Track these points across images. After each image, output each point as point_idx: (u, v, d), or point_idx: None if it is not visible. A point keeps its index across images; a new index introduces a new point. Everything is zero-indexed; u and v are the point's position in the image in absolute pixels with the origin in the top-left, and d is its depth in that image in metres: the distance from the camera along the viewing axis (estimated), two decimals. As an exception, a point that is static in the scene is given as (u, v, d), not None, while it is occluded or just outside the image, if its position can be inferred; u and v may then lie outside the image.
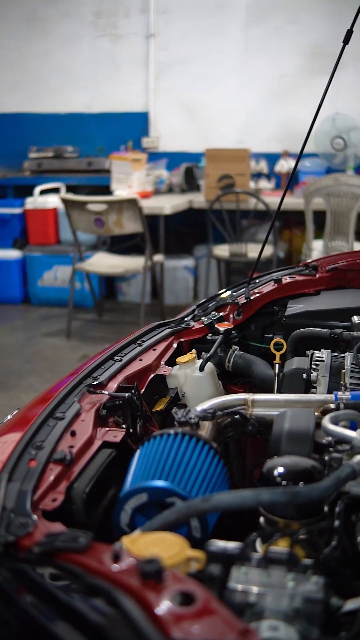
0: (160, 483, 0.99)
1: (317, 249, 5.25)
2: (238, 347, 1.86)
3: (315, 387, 1.47)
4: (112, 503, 1.19)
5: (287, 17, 6.04)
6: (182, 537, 0.81)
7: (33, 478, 1.04)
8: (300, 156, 2.00)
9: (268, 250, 5.50)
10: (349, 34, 1.80)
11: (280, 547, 0.88)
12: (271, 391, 1.64)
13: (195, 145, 6.49)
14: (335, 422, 1.07)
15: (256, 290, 2.06)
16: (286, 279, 2.10)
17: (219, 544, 0.83)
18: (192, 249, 6.48)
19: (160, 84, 6.47)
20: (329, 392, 1.46)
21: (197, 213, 6.02)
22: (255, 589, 0.75)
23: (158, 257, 5.33)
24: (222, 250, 5.54)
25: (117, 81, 6.54)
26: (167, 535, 0.82)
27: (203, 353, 1.81)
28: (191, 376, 1.69)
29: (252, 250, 5.44)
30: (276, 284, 2.08)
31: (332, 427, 1.04)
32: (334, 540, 0.87)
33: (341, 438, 1.03)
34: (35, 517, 0.92)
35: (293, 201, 5.82)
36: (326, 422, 1.07)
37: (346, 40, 1.81)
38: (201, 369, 1.70)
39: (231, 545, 0.83)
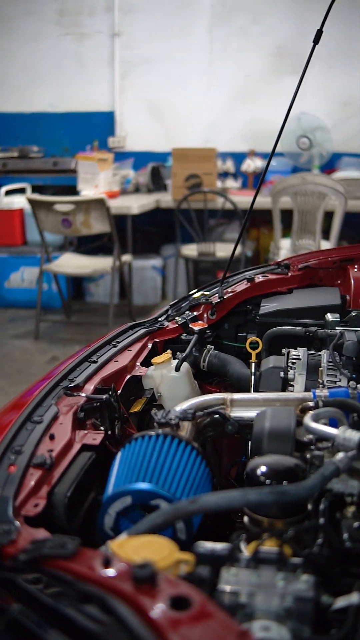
0: (144, 485, 0.98)
1: (284, 247, 5.28)
2: (213, 347, 1.86)
3: (293, 385, 1.48)
4: (92, 507, 1.18)
5: (251, 17, 6.07)
6: (170, 539, 0.80)
7: (13, 483, 1.02)
8: (271, 156, 2.01)
9: (236, 250, 5.52)
10: (319, 34, 1.81)
11: (267, 546, 0.88)
12: (248, 390, 1.64)
13: (161, 144, 6.48)
14: (316, 420, 1.08)
15: (229, 290, 2.07)
16: (259, 278, 2.11)
17: (207, 546, 0.82)
18: (159, 248, 6.47)
19: (126, 83, 6.44)
20: (306, 390, 1.46)
21: (164, 213, 6.01)
22: (245, 590, 0.75)
23: (126, 257, 5.30)
24: (191, 250, 5.54)
25: (83, 80, 6.49)
26: (154, 538, 0.82)
27: (178, 353, 1.81)
28: (167, 376, 1.69)
29: (221, 250, 5.46)
30: (249, 283, 2.08)
31: (314, 425, 1.04)
32: (320, 538, 0.87)
33: (323, 436, 1.03)
34: (18, 523, 0.91)
35: (260, 200, 5.80)
36: (308, 420, 1.07)
37: (316, 40, 1.82)
38: (177, 369, 1.69)
39: (219, 546, 0.83)
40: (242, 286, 2.07)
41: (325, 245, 5.18)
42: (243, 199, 5.65)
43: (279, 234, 5.31)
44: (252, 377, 1.64)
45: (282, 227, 5.33)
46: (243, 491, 0.83)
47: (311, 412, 1.10)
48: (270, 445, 1.10)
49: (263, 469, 0.99)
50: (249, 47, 6.14)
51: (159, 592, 0.61)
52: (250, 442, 1.21)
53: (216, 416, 1.29)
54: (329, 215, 5.14)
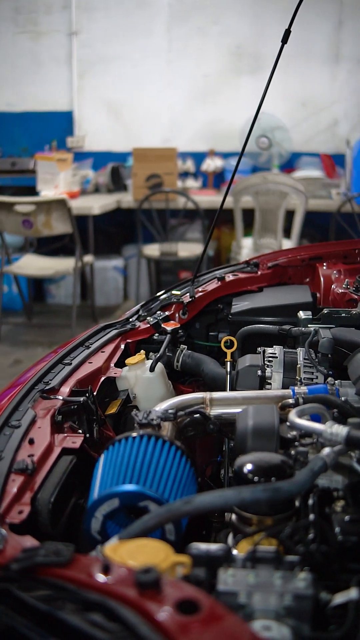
0: (132, 487, 0.97)
1: (246, 246, 5.31)
2: (186, 347, 1.86)
3: (270, 383, 1.48)
4: (74, 511, 1.16)
5: (209, 17, 6.09)
6: (164, 542, 0.79)
7: (-4, 490, 0.99)
8: (241, 155, 2.01)
9: (198, 249, 5.53)
10: (287, 34, 1.82)
11: (261, 545, 0.88)
12: (223, 389, 1.63)
13: (121, 144, 6.44)
14: (301, 416, 1.08)
15: (200, 289, 2.06)
16: (229, 277, 2.12)
17: (201, 547, 0.82)
18: (120, 249, 6.44)
19: (84, 82, 6.39)
20: (283, 387, 1.47)
21: (124, 213, 5.98)
22: (244, 590, 0.74)
23: (88, 258, 5.26)
24: (153, 250, 5.53)
25: (40, 79, 6.40)
26: (148, 541, 0.80)
27: (151, 353, 1.80)
28: (142, 377, 1.67)
29: (183, 249, 5.46)
30: (219, 282, 2.08)
31: (300, 421, 1.04)
32: (312, 534, 0.87)
33: (310, 431, 1.03)
34: (4, 531, 0.88)
35: (219, 199, 5.86)
36: (293, 416, 1.07)
37: (284, 40, 1.83)
38: (151, 369, 1.68)
39: (213, 547, 0.82)
40: (213, 285, 2.07)
41: (287, 244, 5.23)
42: (204, 199, 5.67)
43: (241, 233, 5.34)
44: (228, 376, 1.63)
45: (244, 226, 5.36)
46: (237, 489, 0.82)
47: (296, 408, 1.10)
48: (255, 442, 1.10)
49: (251, 466, 0.99)
50: (208, 47, 6.16)
51: (165, 596, 0.60)
52: (233, 441, 1.21)
53: (197, 415, 1.28)
54: (289, 214, 5.19)
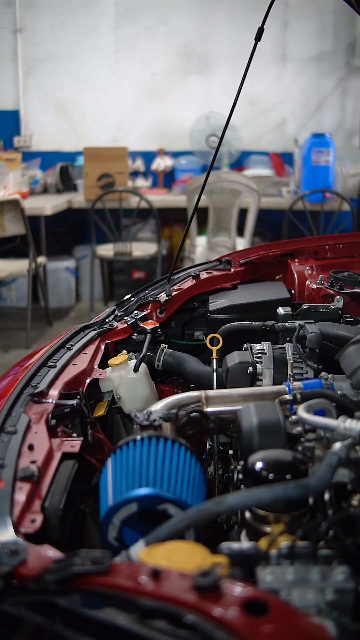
0: (150, 490, 0.95)
1: (200, 245, 5.33)
2: (167, 346, 1.84)
3: (261, 380, 1.48)
4: (77, 517, 1.13)
5: (157, 17, 6.07)
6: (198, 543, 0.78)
7: (5, 499, 0.96)
8: (216, 154, 2.01)
9: (152, 248, 5.52)
10: (260, 31, 1.83)
11: (284, 541, 0.87)
12: (208, 387, 1.62)
13: (69, 144, 6.36)
14: (309, 411, 1.08)
15: (175, 287, 2.05)
16: (204, 275, 2.11)
17: (234, 546, 0.80)
18: (71, 250, 6.35)
19: (30, 81, 6.27)
20: (274, 383, 1.47)
21: (74, 213, 5.90)
22: (284, 587, 0.74)
23: (41, 259, 5.16)
24: (106, 250, 5.48)
25: (-16, 77, 6.25)
26: (181, 543, 0.79)
27: (130, 353, 1.77)
28: (126, 378, 1.65)
29: (136, 249, 5.43)
30: (194, 280, 2.07)
31: (311, 417, 1.04)
32: (332, 528, 0.87)
33: (322, 427, 1.03)
34: (24, 542, 0.85)
35: (172, 198, 5.88)
36: (302, 412, 1.07)
37: (258, 38, 1.84)
38: (136, 369, 1.66)
39: (245, 545, 0.81)
40: (188, 283, 2.06)
41: (240, 242, 5.27)
42: (156, 198, 5.65)
43: (195, 232, 5.35)
44: (215, 373, 1.63)
45: (197, 225, 5.37)
46: (269, 487, 0.81)
47: (303, 404, 1.10)
48: (262, 440, 1.10)
49: (265, 464, 0.98)
50: (156, 47, 6.14)
51: (229, 599, 0.58)
52: (236, 439, 1.20)
53: (195, 414, 1.26)
54: (242, 213, 5.23)
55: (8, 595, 0.72)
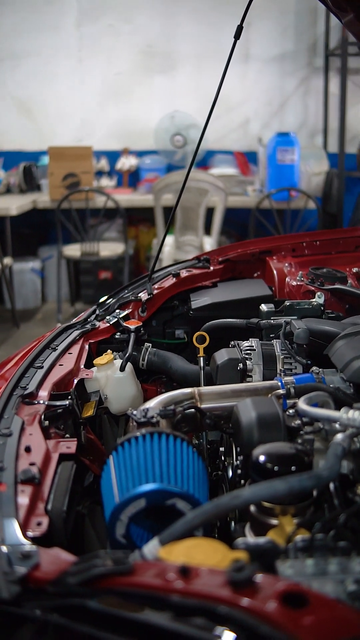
0: (158, 485, 0.94)
1: (168, 244, 5.32)
2: (151, 345, 1.83)
3: (251, 376, 1.48)
4: (77, 519, 1.12)
5: (120, 15, 6.04)
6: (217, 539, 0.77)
7: (10, 503, 0.94)
8: (196, 152, 2.01)
9: (119, 248, 5.49)
10: (239, 29, 1.83)
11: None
12: (196, 385, 1.62)
13: (32, 143, 6.28)
14: (309, 404, 1.09)
15: (156, 286, 2.04)
16: (184, 273, 2.11)
17: (250, 541, 0.80)
18: (36, 250, 6.28)
19: (-9, 79, 6.17)
20: (264, 379, 1.47)
21: (39, 213, 5.83)
22: (305, 580, 0.74)
23: (7, 260, 5.09)
24: (73, 250, 5.43)
25: None
26: (200, 540, 0.78)
27: (114, 353, 1.76)
28: (113, 377, 1.64)
29: (104, 249, 5.39)
30: (175, 279, 2.07)
31: (313, 409, 1.05)
32: (349, 519, 0.87)
33: (325, 419, 1.04)
34: (33, 546, 0.83)
35: (138, 198, 5.86)
36: (303, 405, 1.08)
37: (237, 36, 1.84)
38: (122, 369, 1.65)
39: (261, 540, 0.81)
40: (169, 282, 2.05)
41: (208, 241, 5.29)
42: (122, 198, 5.62)
43: (162, 231, 5.34)
44: (202, 371, 1.62)
45: (164, 224, 5.36)
46: (285, 479, 0.82)
47: (303, 397, 1.11)
48: (263, 434, 1.10)
49: (270, 457, 0.98)
50: (119, 45, 6.11)
51: (267, 592, 0.58)
52: (233, 434, 1.20)
53: (191, 410, 1.26)
54: (209, 212, 5.25)
55: (27, 600, 0.70)
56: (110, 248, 5.46)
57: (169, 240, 5.35)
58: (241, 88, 6.20)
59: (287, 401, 1.28)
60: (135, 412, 1.20)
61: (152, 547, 0.81)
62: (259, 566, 0.76)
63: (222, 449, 1.46)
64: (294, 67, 6.19)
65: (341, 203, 5.66)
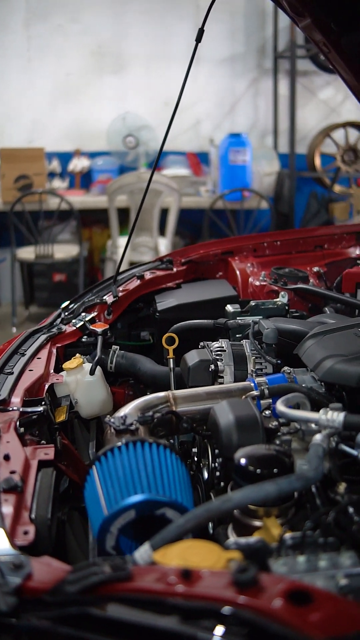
0: (148, 495, 0.94)
1: (122, 245, 5.30)
2: (118, 347, 1.83)
3: (222, 377, 1.50)
4: (58, 526, 1.11)
5: (69, 15, 5.98)
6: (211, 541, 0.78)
7: (-6, 513, 0.92)
8: (160, 150, 2.01)
9: (74, 250, 5.44)
10: (201, 32, 1.85)
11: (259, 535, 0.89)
12: (165, 387, 1.63)
13: (-20, 145, 6.16)
14: (286, 405, 1.11)
15: (121, 288, 2.04)
16: (148, 275, 2.11)
17: (241, 541, 0.81)
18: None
19: None
20: (236, 380, 1.49)
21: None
22: (298, 576, 0.75)
23: None
24: (27, 253, 5.35)
25: None
26: (194, 542, 0.79)
27: (82, 357, 1.75)
28: (83, 381, 1.63)
29: (58, 251, 5.34)
30: (139, 280, 2.07)
31: (291, 411, 1.07)
32: (330, 516, 0.89)
33: (303, 420, 1.06)
34: (22, 556, 0.82)
35: (91, 199, 5.82)
36: (281, 406, 1.09)
37: (198, 39, 1.86)
38: (92, 372, 1.64)
39: (251, 540, 0.82)
40: (134, 284, 2.05)
41: (162, 241, 5.29)
42: (74, 199, 5.56)
43: (117, 233, 5.33)
44: (172, 373, 1.63)
45: (118, 226, 5.34)
46: (274, 482, 0.83)
47: (281, 398, 1.12)
48: (242, 436, 1.11)
49: (251, 460, 1.00)
50: (69, 46, 6.05)
51: (272, 591, 0.59)
52: (212, 437, 1.21)
53: (168, 415, 1.26)
54: (163, 212, 5.26)
55: (25, 611, 0.70)
56: (64, 250, 5.41)
57: (124, 241, 5.33)
58: (192, 89, 6.21)
59: (261, 402, 1.29)
60: (113, 420, 1.20)
61: (143, 553, 0.81)
62: (253, 564, 0.77)
63: (194, 450, 1.47)
64: (243, 68, 6.26)
65: (292, 203, 5.76)
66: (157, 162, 2.07)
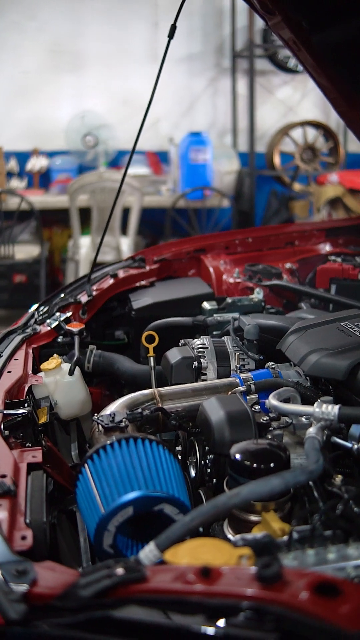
0: (145, 492, 0.93)
1: (84, 245, 5.25)
2: (95, 347, 1.80)
3: (205, 374, 1.49)
4: (51, 529, 1.08)
5: (25, 12, 5.89)
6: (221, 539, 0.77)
7: (-10, 518, 0.90)
8: (132, 151, 1.99)
9: (35, 251, 5.36)
10: (173, 29, 1.84)
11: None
12: (146, 385, 1.61)
13: None
14: (279, 400, 1.11)
15: (95, 287, 2.02)
16: (121, 273, 2.09)
17: (248, 537, 0.81)
18: None
19: None
20: (219, 377, 1.48)
21: None
22: (311, 569, 0.75)
23: None
24: (-14, 254, 5.25)
25: None
26: (203, 540, 0.78)
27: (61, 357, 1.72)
28: (62, 382, 1.60)
29: (18, 252, 5.25)
30: (113, 279, 2.05)
31: (284, 405, 1.07)
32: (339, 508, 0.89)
33: (297, 414, 1.06)
34: (26, 562, 0.80)
35: (51, 199, 5.74)
36: (274, 401, 1.09)
37: (171, 35, 1.85)
38: (71, 373, 1.61)
39: (258, 535, 0.82)
40: (108, 282, 2.03)
41: (124, 241, 5.26)
42: (34, 199, 5.47)
43: (78, 232, 5.27)
44: (153, 371, 1.62)
45: (79, 225, 5.29)
46: (280, 476, 0.83)
47: (273, 393, 1.12)
48: (234, 432, 1.11)
49: (246, 455, 0.99)
50: (25, 43, 5.96)
51: (299, 586, 0.58)
52: (203, 433, 1.20)
53: (156, 412, 1.25)
54: (125, 212, 5.22)
55: (36, 618, 0.67)
56: (25, 251, 5.33)
57: (86, 241, 5.29)
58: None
59: (248, 397, 1.29)
60: (101, 418, 1.18)
61: (149, 552, 0.80)
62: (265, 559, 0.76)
63: (178, 448, 1.46)
64: (202, 67, 6.27)
65: (253, 201, 5.80)
66: (129, 162, 2.04)
